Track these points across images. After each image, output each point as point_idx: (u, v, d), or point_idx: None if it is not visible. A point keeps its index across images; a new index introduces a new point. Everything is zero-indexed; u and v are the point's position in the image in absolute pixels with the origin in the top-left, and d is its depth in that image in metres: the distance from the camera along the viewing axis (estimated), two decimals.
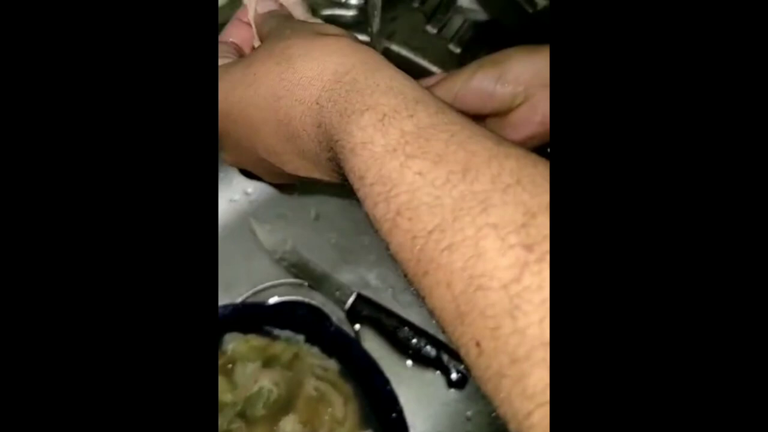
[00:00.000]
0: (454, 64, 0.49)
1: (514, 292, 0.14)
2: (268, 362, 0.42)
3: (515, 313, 0.14)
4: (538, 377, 0.13)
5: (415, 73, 0.23)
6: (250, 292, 0.47)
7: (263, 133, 0.24)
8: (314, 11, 0.50)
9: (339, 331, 0.44)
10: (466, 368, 0.17)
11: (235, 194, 0.52)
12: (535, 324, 0.14)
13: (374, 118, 0.19)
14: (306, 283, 0.48)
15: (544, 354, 0.13)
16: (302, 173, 0.25)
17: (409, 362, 0.46)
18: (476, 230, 0.15)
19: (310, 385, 0.41)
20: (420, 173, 0.17)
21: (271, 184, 0.35)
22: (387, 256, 0.54)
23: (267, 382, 0.41)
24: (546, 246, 0.15)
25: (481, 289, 0.15)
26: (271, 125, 0.24)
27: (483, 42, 0.50)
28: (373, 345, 0.46)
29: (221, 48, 0.30)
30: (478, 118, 0.36)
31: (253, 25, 0.31)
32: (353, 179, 0.20)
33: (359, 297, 0.47)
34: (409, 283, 0.19)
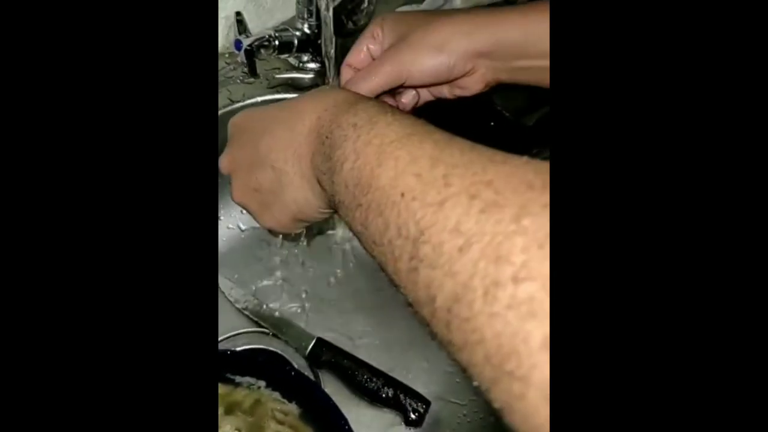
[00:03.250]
0: None
1: (419, 201, 0.21)
2: (229, 409, 0.43)
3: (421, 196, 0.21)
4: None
5: None
6: None
7: (272, 127, 0.33)
8: (274, 75, 0.55)
9: (299, 376, 0.45)
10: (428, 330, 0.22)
11: None
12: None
13: (350, 120, 0.27)
14: (268, 331, 0.50)
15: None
16: (279, 164, 0.33)
17: (368, 403, 0.47)
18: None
19: (271, 430, 0.43)
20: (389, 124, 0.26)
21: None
22: (346, 303, 0.56)
23: (229, 429, 0.42)
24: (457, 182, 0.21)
25: (414, 200, 0.22)
26: (282, 121, 0.33)
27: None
28: (334, 388, 0.47)
29: None
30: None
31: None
32: (341, 136, 0.27)
33: (319, 342, 0.49)
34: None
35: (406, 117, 0.27)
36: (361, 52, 0.41)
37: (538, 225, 0.18)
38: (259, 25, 0.55)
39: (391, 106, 0.29)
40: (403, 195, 0.22)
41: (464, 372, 0.20)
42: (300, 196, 0.33)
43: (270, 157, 0.33)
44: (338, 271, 0.54)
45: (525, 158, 0.22)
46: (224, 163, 0.36)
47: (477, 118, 0.54)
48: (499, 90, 0.55)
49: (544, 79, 0.42)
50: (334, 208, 0.31)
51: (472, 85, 0.41)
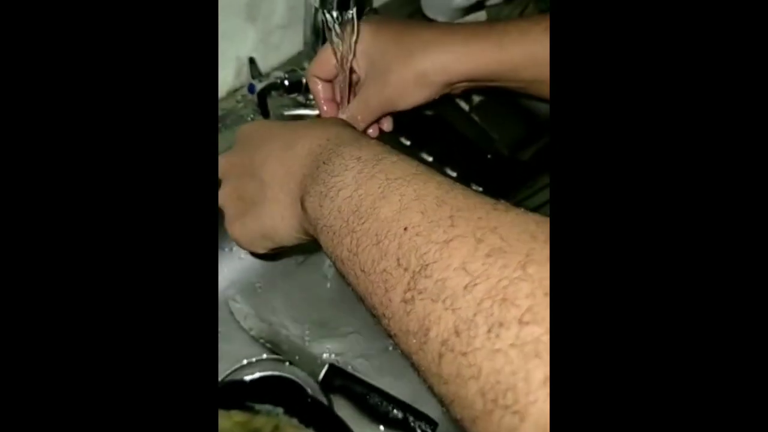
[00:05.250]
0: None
1: (424, 237, 0.22)
2: None
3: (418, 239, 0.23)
4: None
5: None
6: (231, 369, 0.51)
7: (272, 142, 0.35)
8: (283, 113, 0.57)
9: (315, 402, 0.48)
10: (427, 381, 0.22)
11: None
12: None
13: (354, 153, 0.29)
14: (282, 358, 0.52)
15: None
16: (268, 177, 0.34)
17: (380, 426, 0.50)
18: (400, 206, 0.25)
19: None
20: (356, 165, 0.28)
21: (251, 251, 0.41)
22: (355, 327, 0.59)
23: None
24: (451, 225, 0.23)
25: (418, 235, 0.23)
26: (283, 138, 0.34)
27: (430, 135, 0.58)
28: (346, 412, 0.50)
29: None
30: None
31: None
32: (341, 164, 0.29)
33: (331, 368, 0.52)
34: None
35: (409, 158, 0.29)
36: (332, 66, 0.43)
37: (543, 274, 0.19)
38: (267, 62, 0.57)
39: (391, 148, 0.31)
40: (406, 229, 0.23)
41: (442, 402, 0.21)
42: (277, 213, 0.34)
43: (262, 169, 0.34)
44: (347, 295, 0.56)
45: (522, 209, 0.23)
46: (220, 165, 0.38)
47: (473, 151, 0.57)
48: (496, 124, 0.58)
49: (516, 90, 0.45)
50: (309, 233, 0.32)
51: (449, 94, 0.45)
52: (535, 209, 0.54)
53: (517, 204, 0.56)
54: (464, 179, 0.55)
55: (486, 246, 0.20)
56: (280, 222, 0.34)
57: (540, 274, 0.19)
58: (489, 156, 0.57)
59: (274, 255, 0.52)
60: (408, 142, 0.57)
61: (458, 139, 0.57)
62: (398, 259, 0.22)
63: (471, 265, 0.20)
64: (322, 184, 0.29)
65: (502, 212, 0.22)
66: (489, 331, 0.18)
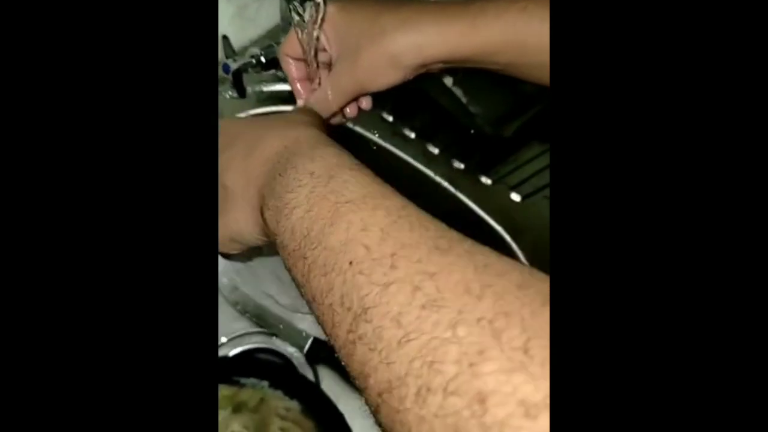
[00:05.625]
0: (387, 131, 0.56)
1: (366, 277, 0.22)
2: (237, 408, 0.48)
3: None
4: None
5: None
6: (218, 344, 0.53)
7: (236, 144, 0.35)
8: (262, 89, 0.56)
9: (299, 376, 0.50)
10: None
11: None
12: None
13: (308, 167, 0.29)
14: (268, 332, 0.54)
15: None
16: (230, 183, 0.34)
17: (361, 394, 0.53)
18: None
19: (276, 425, 0.48)
20: (308, 180, 0.28)
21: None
22: None
23: (237, 426, 0.47)
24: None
25: (361, 273, 0.22)
26: (245, 141, 0.34)
27: (412, 111, 0.57)
28: (330, 383, 0.52)
29: None
30: None
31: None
32: (295, 179, 0.29)
33: (316, 341, 0.54)
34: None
35: (362, 174, 0.28)
36: (301, 46, 0.42)
37: (472, 339, 0.18)
38: (245, 35, 0.56)
39: (348, 156, 0.30)
40: (351, 264, 0.22)
41: None
42: (242, 219, 0.34)
43: (225, 175, 0.34)
44: None
45: (467, 245, 0.23)
46: None
47: (456, 127, 0.56)
48: (478, 99, 0.57)
49: (493, 71, 0.43)
50: (272, 241, 0.32)
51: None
52: (516, 185, 0.55)
53: (499, 180, 0.56)
54: (446, 155, 0.55)
55: (422, 296, 0.20)
56: (244, 227, 0.34)
57: (469, 338, 0.18)
58: (471, 131, 0.56)
59: (247, 255, 0.53)
60: (390, 118, 0.56)
61: (441, 115, 0.56)
62: (342, 297, 0.22)
63: (406, 317, 0.20)
64: (277, 198, 0.29)
65: (442, 253, 0.22)
66: (417, 393, 0.19)
